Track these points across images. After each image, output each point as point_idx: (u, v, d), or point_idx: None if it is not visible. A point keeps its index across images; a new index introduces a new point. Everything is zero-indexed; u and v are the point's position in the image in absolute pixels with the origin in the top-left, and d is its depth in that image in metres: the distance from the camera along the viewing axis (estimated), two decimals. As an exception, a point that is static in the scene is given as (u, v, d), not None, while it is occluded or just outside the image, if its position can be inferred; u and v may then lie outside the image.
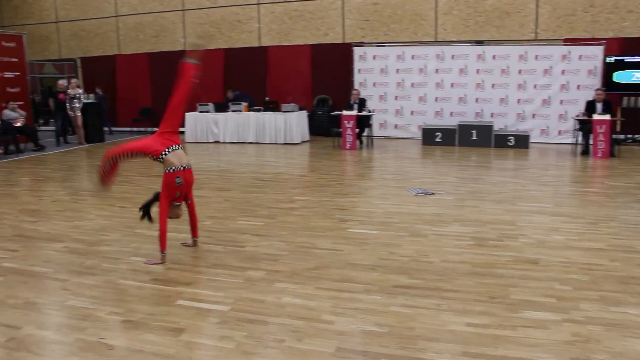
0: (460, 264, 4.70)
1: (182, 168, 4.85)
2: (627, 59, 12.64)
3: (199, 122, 14.51)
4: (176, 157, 4.85)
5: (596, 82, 12.72)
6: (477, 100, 13.79)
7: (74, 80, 14.55)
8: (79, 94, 14.14)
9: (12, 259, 5.05)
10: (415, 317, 3.66)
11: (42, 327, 3.64)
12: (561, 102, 13.15)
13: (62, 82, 14.60)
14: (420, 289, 4.16)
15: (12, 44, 13.87)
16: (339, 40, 15.34)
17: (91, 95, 15.74)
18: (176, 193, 4.87)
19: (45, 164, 11.14)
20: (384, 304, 3.89)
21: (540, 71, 13.21)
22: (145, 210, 5.04)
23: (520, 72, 13.35)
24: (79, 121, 14.19)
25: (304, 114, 14.40)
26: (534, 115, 13.42)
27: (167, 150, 4.85)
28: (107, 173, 5.12)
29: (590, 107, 11.40)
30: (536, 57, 13.19)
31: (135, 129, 17.29)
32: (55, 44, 18.90)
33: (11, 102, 13.10)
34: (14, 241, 5.62)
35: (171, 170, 4.79)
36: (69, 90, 14.08)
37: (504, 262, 4.74)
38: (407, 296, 4.01)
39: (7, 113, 12.88)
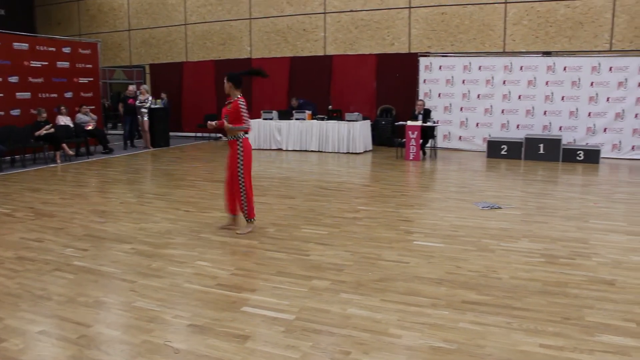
0: (530, 282, 4.52)
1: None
2: None
3: (263, 129, 14.65)
4: None
5: (675, 95, 12.12)
6: (545, 112, 13.39)
7: (143, 87, 14.98)
8: (147, 99, 14.55)
9: (83, 257, 5.20)
10: (485, 335, 3.53)
11: (111, 326, 3.71)
12: (636, 116, 12.59)
13: (132, 88, 15.08)
14: (489, 305, 4.02)
15: (87, 51, 14.42)
16: (405, 50, 15.22)
17: (159, 101, 16.17)
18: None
19: (113, 167, 11.49)
20: (452, 319, 3.77)
21: (614, 83, 12.70)
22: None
23: (592, 84, 12.88)
24: (146, 126, 14.59)
25: (367, 124, 14.34)
26: (605, 129, 12.90)
27: None
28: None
29: (668, 122, 10.86)
30: (610, 68, 12.70)
31: (199, 134, 17.63)
32: (126, 51, 19.55)
33: (84, 106, 13.59)
34: (84, 241, 5.79)
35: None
36: (140, 96, 14.52)
37: (577, 281, 4.54)
38: (476, 312, 3.88)
39: (80, 117, 13.37)
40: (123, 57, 19.64)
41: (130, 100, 14.65)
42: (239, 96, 6.00)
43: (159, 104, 15.57)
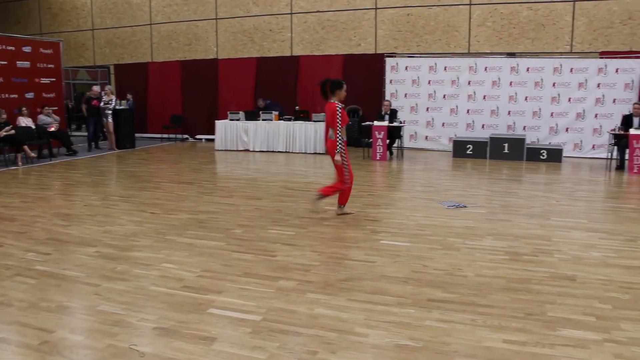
0: (494, 279, 4.60)
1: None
2: (666, 73, 12.36)
3: (229, 130, 14.58)
4: None
5: (633, 96, 12.48)
6: (509, 113, 13.63)
7: (108, 87, 14.76)
8: (112, 100, 14.33)
9: (45, 262, 5.10)
10: (451, 332, 3.58)
11: (74, 331, 3.64)
12: (596, 115, 12.92)
13: (96, 89, 14.85)
14: (455, 303, 4.07)
15: (49, 51, 14.15)
16: (371, 51, 15.32)
17: (124, 102, 15.96)
18: None
19: (77, 169, 11.29)
20: (418, 317, 3.81)
21: (575, 84, 13.00)
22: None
23: (554, 85, 13.16)
24: (111, 127, 14.38)
25: (334, 124, 14.34)
26: (567, 129, 13.20)
27: None
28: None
29: (626, 121, 11.16)
30: (571, 70, 12.99)
31: (165, 135, 17.45)
32: (90, 51, 19.24)
33: (46, 107, 13.33)
34: (47, 244, 5.68)
35: None
36: (104, 97, 14.30)
37: (539, 277, 4.63)
38: (441, 310, 3.93)
39: (42, 118, 13.12)
40: (87, 57, 19.33)
41: (95, 102, 14.42)
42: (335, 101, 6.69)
43: (124, 105, 15.37)
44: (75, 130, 19.51)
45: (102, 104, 14.25)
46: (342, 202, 6.97)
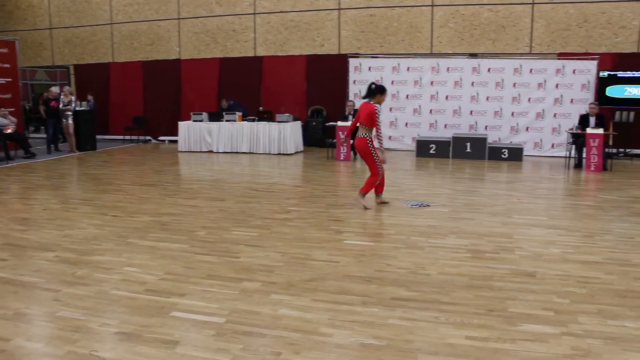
0: (457, 277, 4.66)
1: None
2: (620, 74, 12.71)
3: (193, 131, 14.43)
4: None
5: (589, 96, 12.80)
6: (471, 112, 13.83)
7: (66, 88, 14.46)
8: (71, 101, 14.05)
9: (2, 268, 4.96)
10: (414, 330, 3.61)
11: (32, 339, 3.55)
12: (555, 115, 13.21)
13: (55, 89, 14.51)
14: (418, 301, 4.11)
15: (4, 50, 13.79)
16: (335, 51, 15.36)
17: (84, 103, 15.65)
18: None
19: (36, 172, 11.04)
20: (382, 316, 3.84)
21: (534, 85, 13.27)
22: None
23: (514, 85, 13.41)
24: (71, 129, 14.09)
25: (298, 125, 14.37)
26: (527, 129, 13.47)
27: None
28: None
29: (583, 120, 11.44)
30: (531, 70, 13.25)
31: (127, 137, 17.19)
32: (48, 51, 18.83)
33: (2, 109, 12.99)
34: (3, 250, 5.53)
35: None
36: (63, 99, 14.00)
37: (501, 274, 4.71)
38: (405, 309, 3.96)
39: (-1, 120, 12.78)
40: (45, 57, 18.90)
41: (53, 103, 14.09)
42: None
43: (84, 106, 15.08)
44: (34, 132, 19.04)
45: (61, 105, 13.95)
46: (378, 191, 7.63)
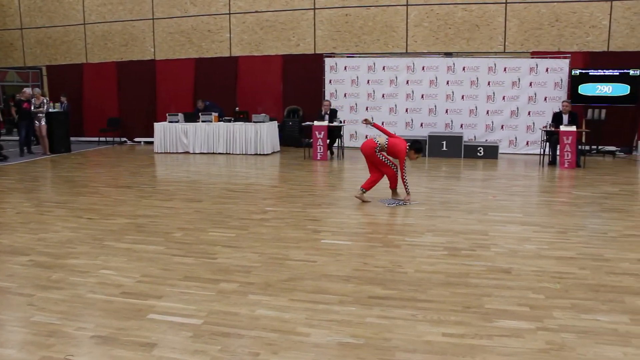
0: (434, 274, 4.69)
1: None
2: (592, 72, 12.94)
3: (168, 133, 14.33)
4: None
5: (562, 94, 13.01)
6: (447, 111, 13.94)
7: (36, 90, 14.24)
8: (43, 103, 13.85)
9: (-25, 272, 4.88)
10: (391, 328, 3.63)
11: (5, 345, 3.49)
12: (529, 113, 13.39)
13: (27, 91, 14.28)
14: (395, 299, 4.13)
15: (-25, 52, 13.54)
16: (310, 51, 15.37)
17: (57, 105, 15.44)
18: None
19: (8, 175, 10.86)
20: (359, 315, 3.85)
21: (508, 83, 13.43)
22: None
23: (489, 83, 13.56)
24: (44, 131, 13.89)
25: (274, 125, 14.36)
26: (502, 127, 13.63)
27: None
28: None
29: (557, 118, 11.61)
30: (505, 69, 13.42)
31: (102, 139, 17.00)
32: (19, 51, 18.52)
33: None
34: (-24, 254, 5.44)
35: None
36: (34, 100, 13.79)
37: (477, 271, 4.75)
38: (382, 307, 3.98)
39: (-31, 122, 12.55)
40: (16, 58, 18.59)
41: (25, 105, 13.88)
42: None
43: (57, 108, 14.87)
44: (6, 134, 18.70)
45: (32, 108, 13.73)
46: (392, 186, 7.97)
